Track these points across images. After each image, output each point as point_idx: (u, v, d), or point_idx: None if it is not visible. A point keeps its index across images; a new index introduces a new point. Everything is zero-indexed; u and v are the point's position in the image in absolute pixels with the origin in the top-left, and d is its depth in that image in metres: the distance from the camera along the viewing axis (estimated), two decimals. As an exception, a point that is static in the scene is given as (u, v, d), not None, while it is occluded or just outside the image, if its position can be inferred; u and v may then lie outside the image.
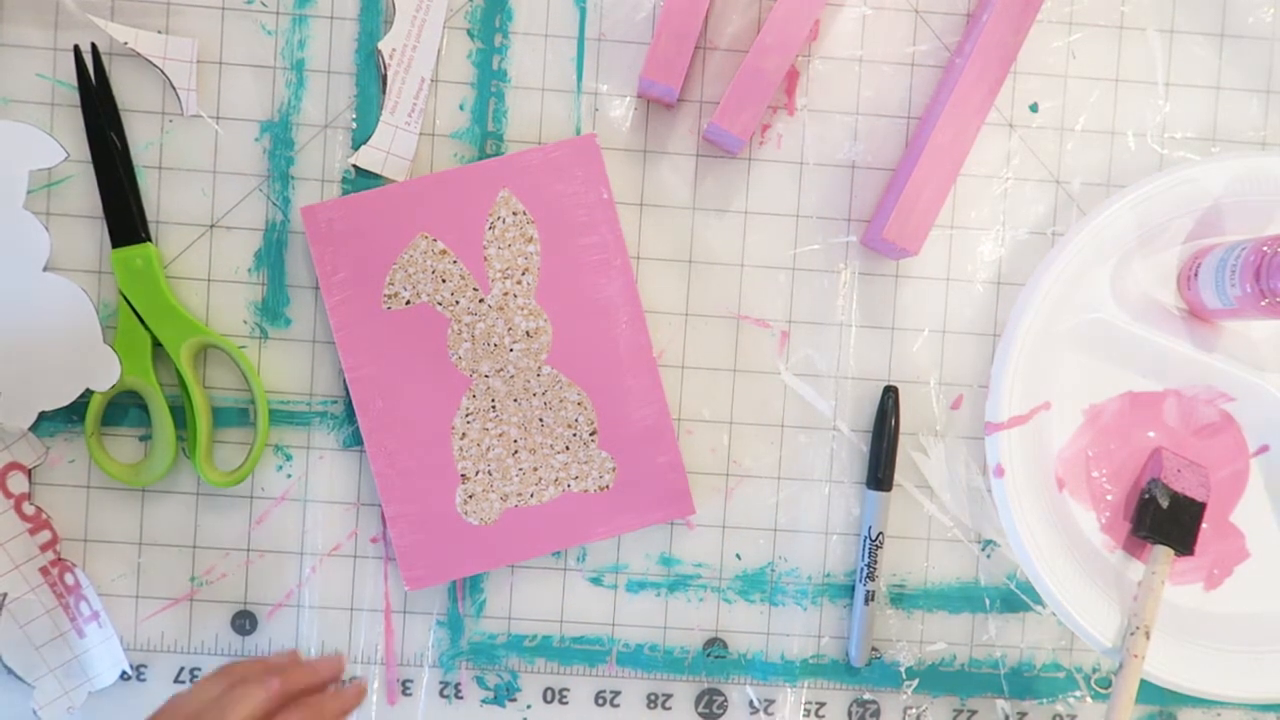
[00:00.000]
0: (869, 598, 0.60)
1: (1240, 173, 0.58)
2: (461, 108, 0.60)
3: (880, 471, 0.60)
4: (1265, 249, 0.53)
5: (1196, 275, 0.58)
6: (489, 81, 0.60)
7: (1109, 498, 0.60)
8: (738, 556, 0.61)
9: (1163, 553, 0.58)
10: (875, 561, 0.60)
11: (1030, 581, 0.60)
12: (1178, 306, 0.60)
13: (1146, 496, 0.58)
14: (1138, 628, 0.56)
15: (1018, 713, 0.62)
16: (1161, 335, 0.59)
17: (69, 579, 0.59)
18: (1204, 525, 0.59)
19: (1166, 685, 0.58)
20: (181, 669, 0.60)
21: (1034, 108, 0.61)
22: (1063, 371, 0.60)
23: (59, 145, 0.57)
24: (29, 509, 0.59)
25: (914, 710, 0.62)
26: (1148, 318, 0.59)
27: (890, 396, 0.60)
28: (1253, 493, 0.61)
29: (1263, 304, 0.53)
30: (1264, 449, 0.60)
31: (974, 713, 0.62)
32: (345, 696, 0.49)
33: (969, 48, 0.57)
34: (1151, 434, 0.60)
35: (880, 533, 0.60)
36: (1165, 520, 0.58)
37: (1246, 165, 0.58)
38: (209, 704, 0.46)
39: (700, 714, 0.61)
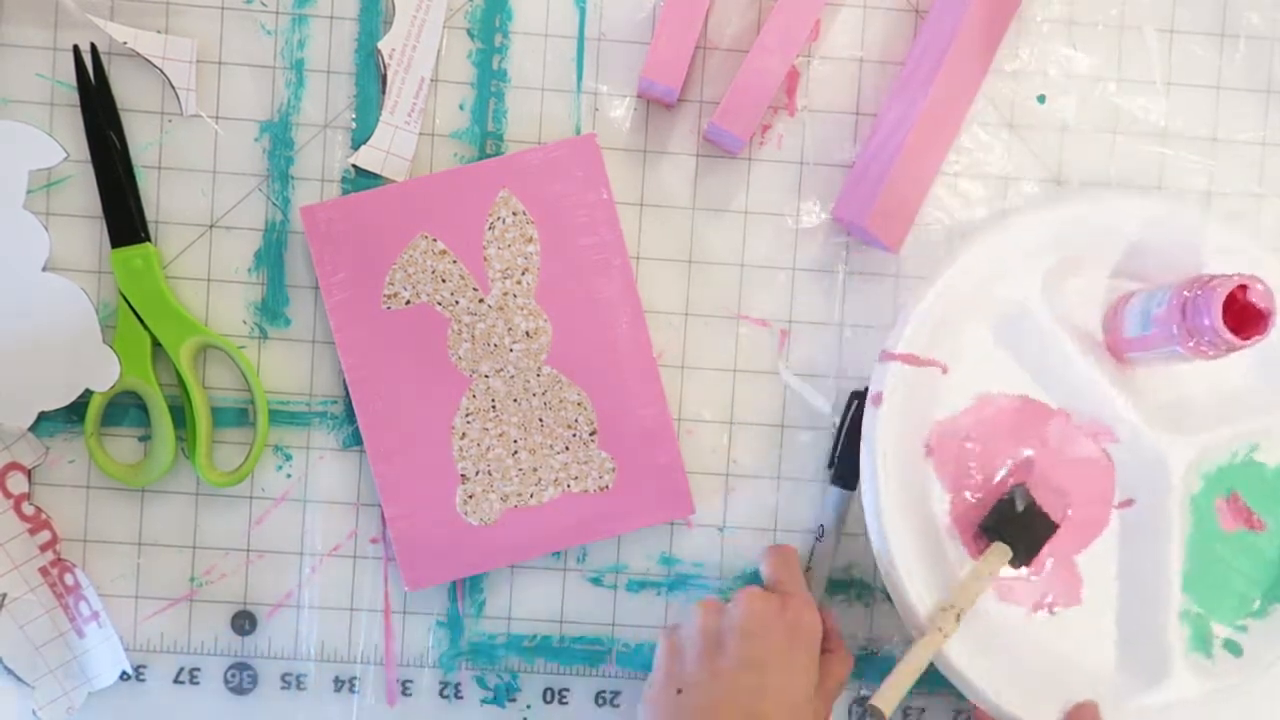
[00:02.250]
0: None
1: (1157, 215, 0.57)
2: (461, 107, 0.60)
3: (843, 469, 0.60)
4: (1186, 292, 0.53)
5: (1121, 314, 0.57)
6: (489, 81, 0.60)
7: (968, 493, 0.58)
8: (739, 556, 0.61)
9: (1000, 550, 0.56)
10: (812, 555, 0.60)
11: (869, 532, 0.57)
12: (1099, 336, 0.59)
13: (1006, 496, 0.57)
14: (952, 606, 0.54)
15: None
16: (1075, 350, 0.57)
17: (69, 579, 0.59)
18: (1049, 556, 0.57)
19: (957, 679, 0.56)
20: (181, 669, 0.60)
21: (1041, 99, 0.61)
22: (970, 346, 0.58)
23: (59, 145, 0.57)
24: (29, 509, 0.59)
25: (914, 710, 0.62)
26: (1068, 329, 0.58)
27: (856, 401, 0.60)
28: (1105, 542, 0.59)
29: (1190, 344, 0.53)
30: (1129, 503, 0.59)
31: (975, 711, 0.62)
32: None
33: (945, 40, 0.57)
34: (1029, 449, 0.59)
35: (821, 525, 0.60)
36: (1014, 524, 0.56)
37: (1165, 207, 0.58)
38: None
39: (700, 714, 0.61)
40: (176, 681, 0.60)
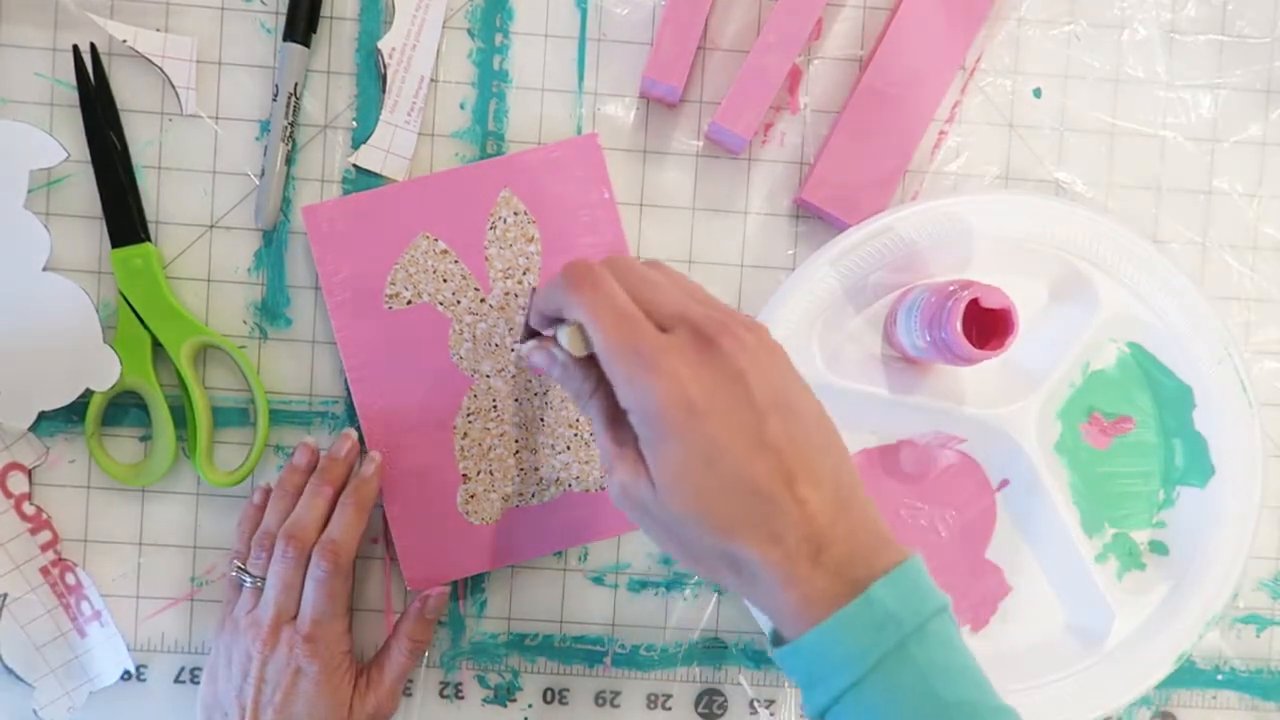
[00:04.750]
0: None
1: (927, 219, 0.57)
2: (462, 107, 0.60)
3: None
4: (933, 299, 0.52)
5: (895, 324, 0.57)
6: (490, 81, 0.60)
7: None
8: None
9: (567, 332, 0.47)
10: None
11: None
12: (894, 356, 0.59)
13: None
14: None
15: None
16: (882, 389, 0.58)
17: (70, 579, 0.59)
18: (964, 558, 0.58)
19: None
20: (182, 669, 0.60)
21: (1037, 92, 0.61)
22: None
23: (59, 145, 0.57)
24: (29, 509, 0.59)
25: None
26: (866, 374, 0.58)
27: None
28: (1003, 527, 0.60)
29: (948, 356, 0.53)
30: (1005, 483, 0.60)
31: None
32: (369, 480, 0.57)
33: None
34: (898, 490, 0.59)
35: None
36: None
37: (934, 210, 0.57)
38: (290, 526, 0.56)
39: (700, 714, 0.61)
40: (178, 681, 0.60)
